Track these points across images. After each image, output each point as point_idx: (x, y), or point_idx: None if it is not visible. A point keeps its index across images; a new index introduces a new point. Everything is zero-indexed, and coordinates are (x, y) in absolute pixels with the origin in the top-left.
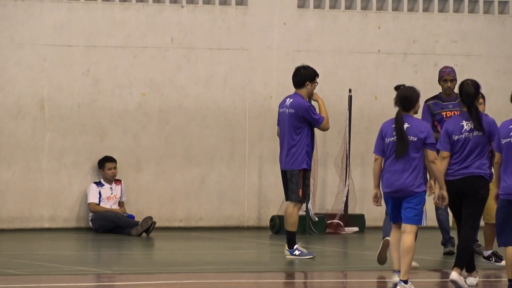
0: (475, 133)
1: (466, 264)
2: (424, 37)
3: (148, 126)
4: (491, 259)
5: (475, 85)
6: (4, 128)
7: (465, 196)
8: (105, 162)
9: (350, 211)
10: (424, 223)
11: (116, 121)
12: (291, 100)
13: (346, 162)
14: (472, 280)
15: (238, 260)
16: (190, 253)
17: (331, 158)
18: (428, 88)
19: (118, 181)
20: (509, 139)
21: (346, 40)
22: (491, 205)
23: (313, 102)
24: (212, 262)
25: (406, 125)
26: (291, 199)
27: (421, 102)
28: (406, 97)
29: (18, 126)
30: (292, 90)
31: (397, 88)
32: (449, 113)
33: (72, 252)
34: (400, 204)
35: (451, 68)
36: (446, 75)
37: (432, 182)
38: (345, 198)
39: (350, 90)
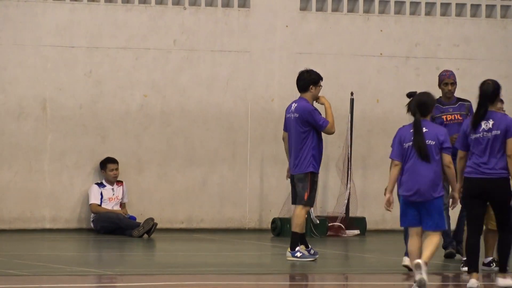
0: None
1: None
2: (426, 41)
3: (150, 128)
4: (491, 264)
5: (495, 86)
6: (6, 129)
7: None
8: (107, 163)
9: (351, 214)
10: (446, 227)
11: (118, 122)
12: (295, 105)
13: (348, 165)
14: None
15: (239, 262)
16: (191, 255)
17: (333, 161)
18: (430, 91)
19: (119, 182)
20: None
21: (348, 43)
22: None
23: (319, 106)
24: (213, 264)
25: (424, 130)
26: (296, 202)
27: None
28: (423, 103)
29: (20, 127)
30: (294, 92)
31: (410, 95)
32: (449, 117)
33: (74, 253)
34: (418, 208)
35: (451, 71)
36: (446, 78)
37: (456, 194)
38: (346, 201)
39: (352, 93)
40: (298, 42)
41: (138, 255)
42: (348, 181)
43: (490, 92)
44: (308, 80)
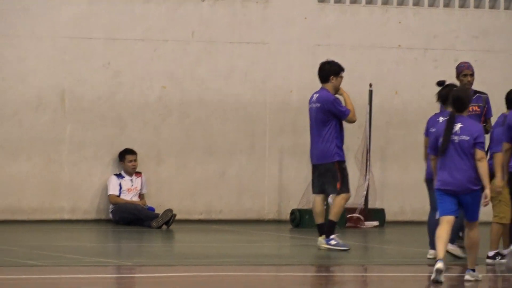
0: None
1: None
2: (445, 33)
3: (168, 119)
4: (496, 258)
5: None
6: (24, 120)
7: None
8: (126, 155)
9: (370, 205)
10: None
11: (137, 114)
12: (317, 95)
13: (366, 157)
14: None
15: (258, 253)
16: (210, 246)
17: (352, 153)
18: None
19: (138, 174)
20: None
21: (367, 35)
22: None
23: (339, 97)
24: (231, 255)
25: (459, 125)
26: (328, 191)
27: None
28: (460, 99)
29: (38, 118)
30: (312, 84)
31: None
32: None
33: (92, 244)
34: (453, 199)
35: (469, 63)
36: (465, 69)
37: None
38: (365, 192)
39: (370, 85)
40: (317, 34)
41: (157, 246)
42: (367, 173)
43: None
44: (329, 71)
